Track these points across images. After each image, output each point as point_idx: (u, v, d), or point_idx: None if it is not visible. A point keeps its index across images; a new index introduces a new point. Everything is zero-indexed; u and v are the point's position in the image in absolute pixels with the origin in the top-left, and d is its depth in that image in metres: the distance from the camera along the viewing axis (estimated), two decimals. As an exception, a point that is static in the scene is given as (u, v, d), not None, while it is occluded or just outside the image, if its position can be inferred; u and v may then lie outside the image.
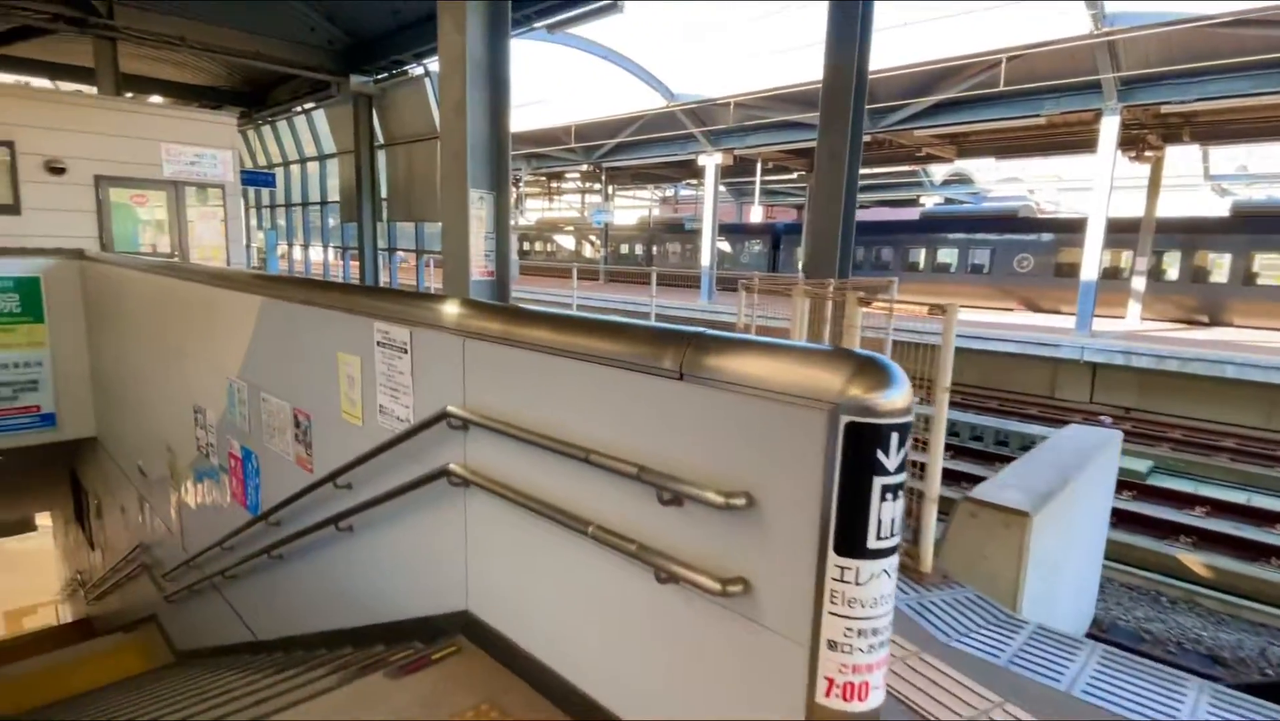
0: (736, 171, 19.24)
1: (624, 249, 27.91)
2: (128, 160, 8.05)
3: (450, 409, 2.11)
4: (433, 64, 10.12)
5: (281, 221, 17.99)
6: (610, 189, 27.11)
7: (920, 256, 18.91)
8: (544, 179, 27.32)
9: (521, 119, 20.46)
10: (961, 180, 25.71)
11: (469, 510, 2.19)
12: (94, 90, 9.21)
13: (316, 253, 16.86)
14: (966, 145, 16.12)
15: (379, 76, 10.83)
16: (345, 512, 2.76)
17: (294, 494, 3.17)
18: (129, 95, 12.01)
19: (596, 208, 22.46)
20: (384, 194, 11.91)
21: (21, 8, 8.07)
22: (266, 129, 16.30)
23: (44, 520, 15.53)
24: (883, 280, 5.87)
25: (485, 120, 3.95)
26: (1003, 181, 28.96)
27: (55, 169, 7.53)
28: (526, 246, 33.24)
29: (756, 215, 17.76)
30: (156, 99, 13.57)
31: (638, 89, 16.42)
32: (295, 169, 16.02)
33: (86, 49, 9.48)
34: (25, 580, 16.03)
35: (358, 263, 12.52)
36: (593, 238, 30.40)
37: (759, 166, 17.16)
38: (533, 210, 34.97)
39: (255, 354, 3.60)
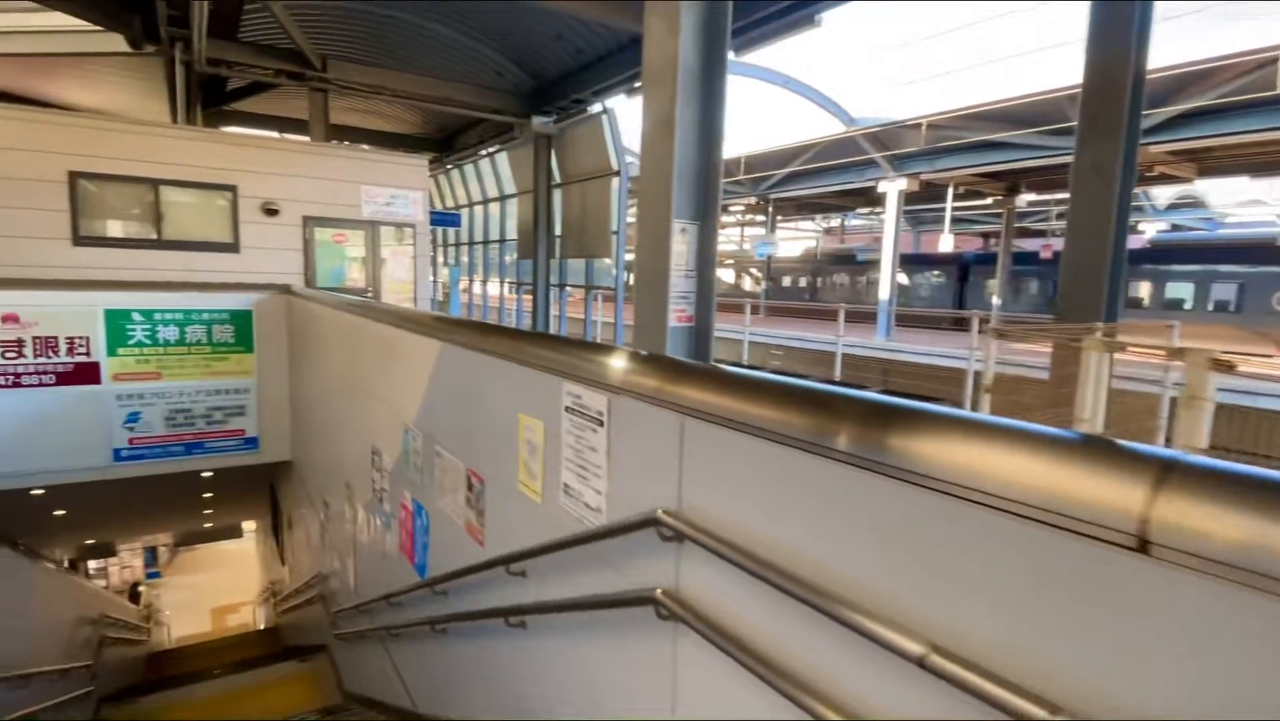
0: (915, 198, 17.78)
1: (786, 281, 26.91)
2: (331, 201, 8.60)
3: (661, 514, 1.54)
4: (610, 101, 10.09)
5: (465, 258, 19.07)
6: (774, 220, 26.36)
7: (1144, 291, 16.25)
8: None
9: (688, 154, 20.29)
10: (1193, 203, 22.13)
11: (680, 653, 1.59)
12: (305, 139, 10.03)
13: (494, 287, 17.62)
14: (1212, 162, 13.63)
15: (558, 117, 11.00)
16: (518, 608, 2.29)
17: (461, 569, 2.77)
18: (343, 144, 13.20)
19: (760, 240, 21.77)
20: (558, 231, 12.06)
21: (254, 65, 8.99)
22: (455, 172, 17.37)
23: (249, 525, 17.29)
24: (1157, 324, 4.68)
25: (695, 139, 3.45)
26: (1244, 205, 24.64)
27: (270, 210, 8.17)
28: (687, 280, 33.17)
29: (946, 244, 16.16)
30: (363, 148, 14.86)
31: (813, 117, 15.68)
32: (479, 209, 16.89)
33: (298, 103, 10.47)
34: (232, 579, 17.87)
35: (531, 297, 12.76)
36: (753, 270, 29.66)
37: (949, 192, 15.65)
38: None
39: (432, 402, 3.31)
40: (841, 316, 10.77)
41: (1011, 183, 17.09)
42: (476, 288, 18.48)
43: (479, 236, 17.45)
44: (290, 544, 9.79)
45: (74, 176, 7.28)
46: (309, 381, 6.96)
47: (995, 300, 17.36)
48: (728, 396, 1.40)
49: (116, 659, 6.64)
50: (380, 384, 4.24)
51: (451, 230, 18.98)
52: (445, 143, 15.86)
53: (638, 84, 9.41)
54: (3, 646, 3.50)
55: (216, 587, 17.73)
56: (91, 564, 17.15)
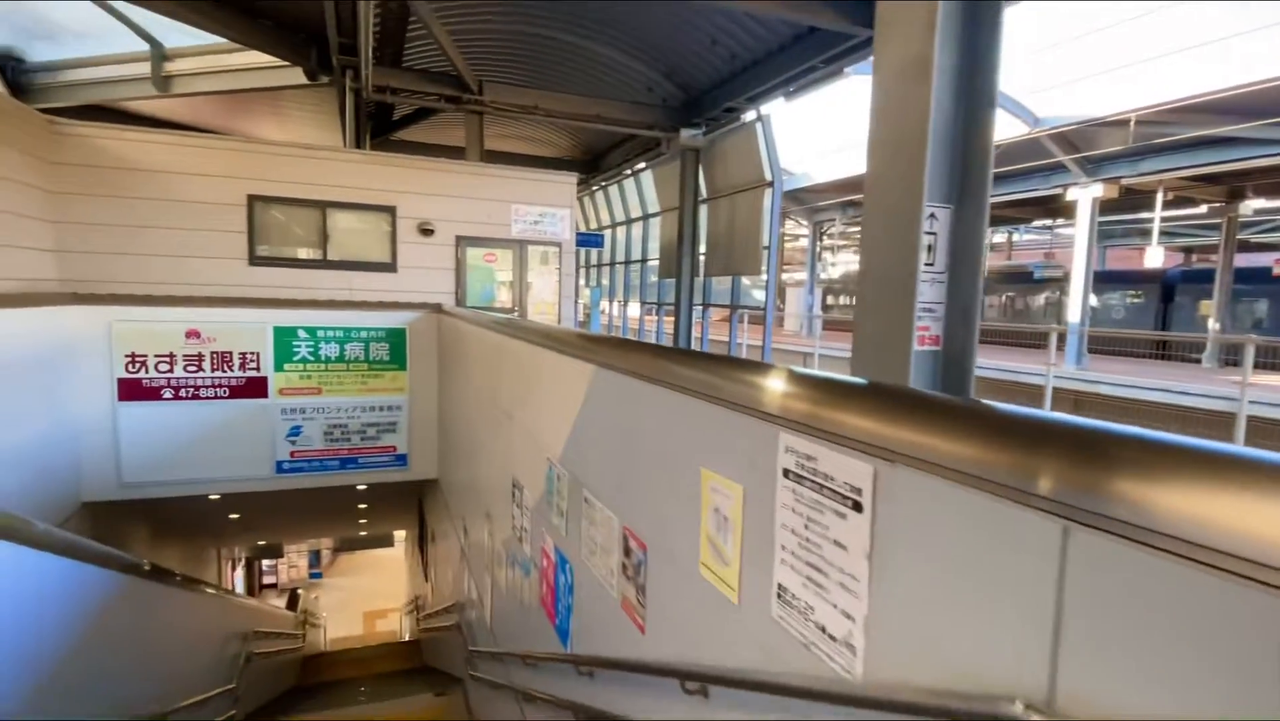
0: (1106, 208, 15.55)
1: (946, 304, 24.71)
2: (483, 221, 8.56)
3: (1019, 711, 0.83)
4: (767, 107, 9.42)
5: (605, 280, 19.07)
6: (933, 238, 24.32)
7: None
8: (859, 227, 25.57)
9: (836, 165, 19.23)
10: None
11: None
12: (460, 161, 10.18)
13: (633, 309, 17.43)
14: None
15: (707, 129, 10.50)
16: (698, 746, 1.64)
17: (615, 660, 2.18)
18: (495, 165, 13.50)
19: (920, 258, 20.02)
20: (702, 249, 11.53)
21: (416, 90, 9.24)
22: (599, 194, 17.43)
23: (400, 534, 18.05)
24: None
25: (953, 94, 2.64)
26: None
27: (426, 230, 8.23)
28: (830, 300, 31.63)
29: (1154, 259, 13.89)
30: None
31: (985, 120, 14.10)
32: (620, 230, 16.79)
33: (455, 131, 10.71)
34: (383, 585, 18.71)
35: (672, 318, 12.30)
36: (908, 292, 27.64)
37: (1158, 198, 13.46)
38: (832, 262, 33.26)
39: (581, 437, 2.77)
40: (1053, 342, 9.27)
41: (1233, 187, 14.53)
42: (614, 309, 18.38)
43: (620, 257, 17.34)
44: (434, 561, 9.81)
45: (252, 200, 7.66)
46: (455, 401, 6.80)
47: (1213, 324, 14.71)
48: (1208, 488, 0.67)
49: (265, 671, 6.71)
50: (522, 410, 3.81)
51: (593, 251, 19.07)
52: (590, 164, 15.90)
53: (793, 87, 8.69)
54: (146, 686, 3.32)
55: (369, 592, 18.65)
56: (264, 562, 18.64)
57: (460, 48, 8.73)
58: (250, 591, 17.80)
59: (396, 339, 7.94)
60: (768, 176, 9.57)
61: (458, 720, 5.81)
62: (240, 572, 16.58)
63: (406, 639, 12.70)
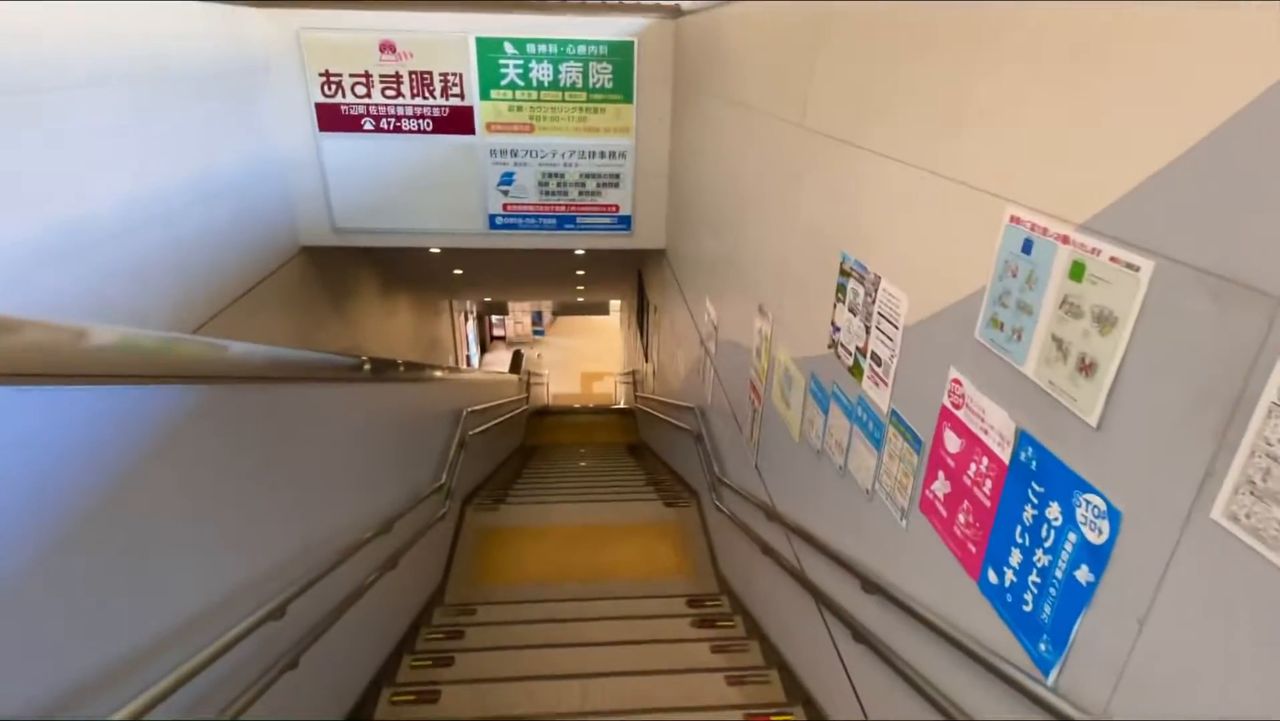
0: None
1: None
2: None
3: None
4: None
5: None
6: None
7: None
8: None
9: None
10: None
11: None
12: None
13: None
14: None
15: None
16: None
17: None
18: None
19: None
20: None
21: None
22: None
23: (615, 303, 17.68)
24: None
25: None
26: None
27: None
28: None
29: None
30: None
31: None
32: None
33: None
34: (599, 349, 18.91)
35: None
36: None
37: None
38: None
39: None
40: None
41: None
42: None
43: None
44: (656, 342, 8.73)
45: None
46: (702, 146, 4.88)
47: None
48: None
49: (485, 444, 6.12)
50: (899, 121, 1.85)
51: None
52: None
53: None
54: (352, 511, 2.83)
55: (587, 354, 19.05)
56: (493, 317, 19.53)
57: None
58: (481, 343, 18.90)
59: (622, 56, 6.03)
60: None
61: (694, 549, 4.76)
62: (471, 325, 17.39)
63: (621, 405, 12.45)
